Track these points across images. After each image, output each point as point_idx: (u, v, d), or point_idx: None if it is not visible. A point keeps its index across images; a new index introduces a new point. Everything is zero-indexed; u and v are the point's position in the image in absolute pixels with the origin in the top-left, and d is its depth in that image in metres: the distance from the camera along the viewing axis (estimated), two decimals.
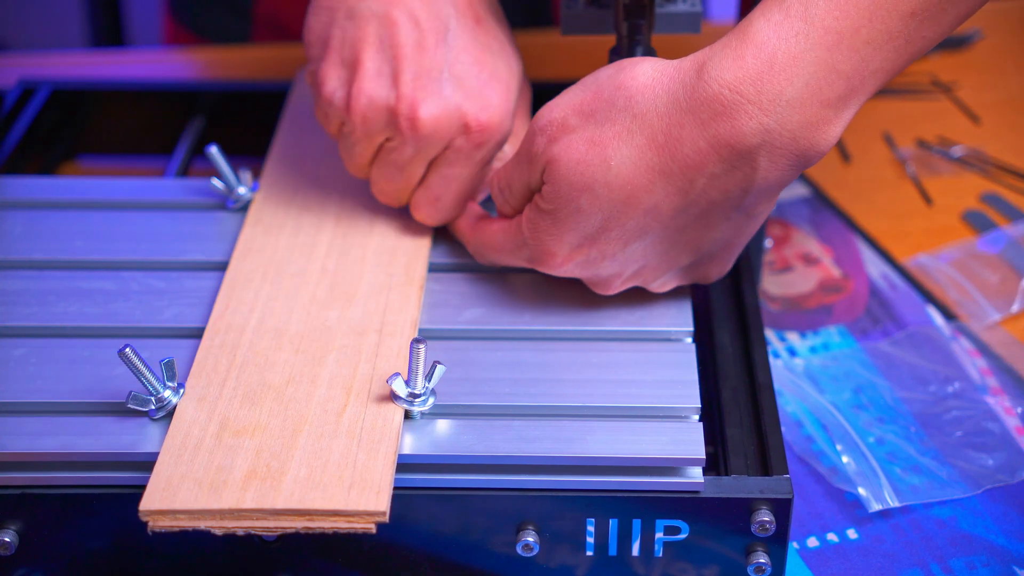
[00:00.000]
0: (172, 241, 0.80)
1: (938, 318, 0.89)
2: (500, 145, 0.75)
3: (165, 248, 0.80)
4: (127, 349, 0.66)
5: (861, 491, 0.75)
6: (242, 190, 0.82)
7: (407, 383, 0.67)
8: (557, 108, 0.69)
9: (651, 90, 0.66)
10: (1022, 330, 0.89)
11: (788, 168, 0.65)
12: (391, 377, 0.67)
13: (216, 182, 0.83)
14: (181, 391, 0.68)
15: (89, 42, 1.59)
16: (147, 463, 0.65)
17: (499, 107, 0.74)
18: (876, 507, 0.74)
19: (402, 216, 0.80)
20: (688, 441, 0.66)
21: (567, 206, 0.68)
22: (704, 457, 0.65)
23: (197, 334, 0.73)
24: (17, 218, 0.82)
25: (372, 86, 0.73)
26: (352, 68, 0.73)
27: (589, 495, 0.66)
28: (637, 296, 0.75)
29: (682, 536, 0.67)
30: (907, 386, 0.83)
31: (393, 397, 0.67)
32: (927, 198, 1.00)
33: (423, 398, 0.67)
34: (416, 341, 0.66)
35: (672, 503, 0.66)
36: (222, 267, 0.78)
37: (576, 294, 0.76)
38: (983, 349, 0.86)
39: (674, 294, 0.76)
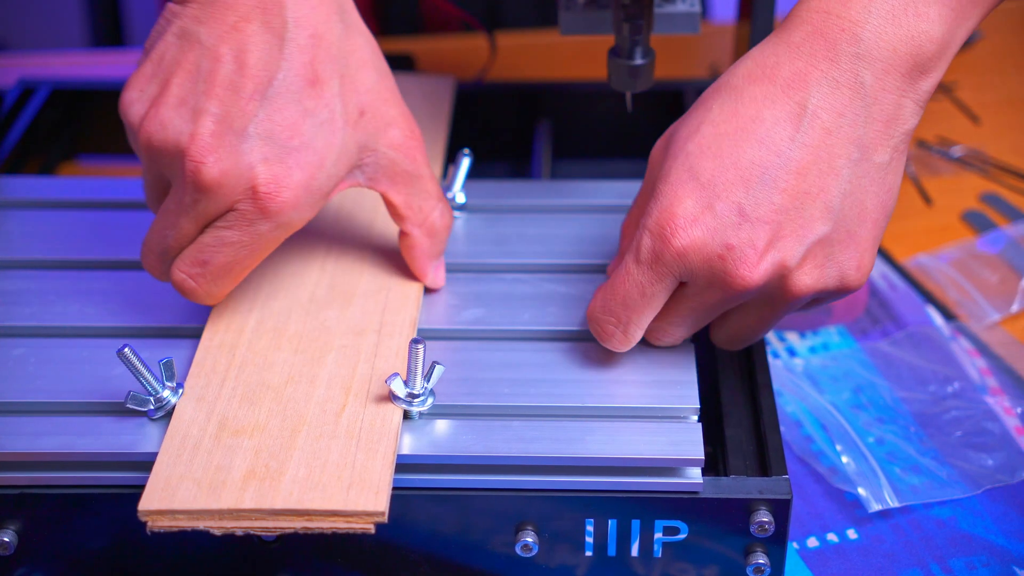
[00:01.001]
0: None
1: (938, 318, 0.89)
2: (291, 228, 0.68)
3: None
4: (126, 349, 0.66)
5: (861, 491, 0.75)
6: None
7: (406, 383, 0.67)
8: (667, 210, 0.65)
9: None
10: (1022, 330, 0.89)
11: (900, 82, 0.65)
12: (390, 377, 0.67)
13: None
14: (180, 391, 0.68)
15: (89, 42, 1.59)
16: (146, 463, 0.65)
17: (299, 184, 0.66)
18: (876, 507, 0.74)
19: None
20: (687, 442, 0.66)
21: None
22: (703, 458, 0.65)
23: (196, 334, 0.73)
24: (17, 218, 0.82)
25: (170, 114, 0.66)
26: (161, 87, 0.67)
27: (588, 495, 0.66)
28: None
29: (681, 536, 0.67)
30: (907, 386, 0.83)
31: (392, 397, 0.67)
32: (927, 198, 1.00)
33: (422, 398, 0.67)
34: (415, 341, 0.66)
35: (671, 504, 0.66)
36: None
37: (574, 295, 0.76)
38: (983, 349, 0.86)
39: None
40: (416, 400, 0.67)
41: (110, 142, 1.03)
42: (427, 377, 0.67)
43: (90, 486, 0.66)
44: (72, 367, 0.71)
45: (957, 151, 1.04)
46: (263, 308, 0.74)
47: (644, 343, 0.72)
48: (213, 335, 0.72)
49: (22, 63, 1.16)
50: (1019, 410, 0.81)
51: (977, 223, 0.96)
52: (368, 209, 0.81)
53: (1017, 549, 0.74)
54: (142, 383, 0.67)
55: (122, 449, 0.66)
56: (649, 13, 0.76)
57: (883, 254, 0.95)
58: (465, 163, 0.81)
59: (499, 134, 1.01)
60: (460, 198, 0.82)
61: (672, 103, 1.00)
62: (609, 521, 0.67)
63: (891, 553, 0.73)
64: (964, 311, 0.90)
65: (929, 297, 0.92)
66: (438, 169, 0.86)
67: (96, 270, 0.78)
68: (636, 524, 0.67)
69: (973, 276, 0.92)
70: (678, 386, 0.70)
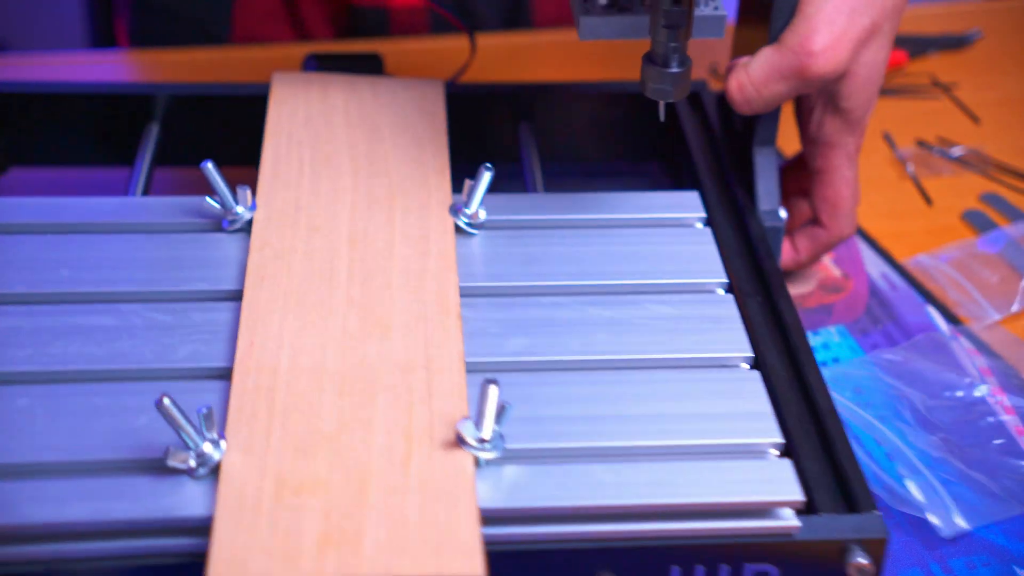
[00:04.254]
0: (170, 268, 0.73)
1: (938, 318, 0.87)
2: None
3: (164, 277, 0.73)
4: (165, 400, 0.59)
5: (931, 518, 0.72)
6: (240, 210, 0.75)
7: (476, 427, 0.61)
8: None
9: None
10: (1022, 330, 0.87)
11: None
12: (460, 422, 0.62)
13: (211, 201, 0.75)
14: (222, 443, 0.61)
15: (89, 42, 1.48)
16: (196, 528, 0.58)
17: None
18: (947, 533, 0.71)
19: (421, 234, 0.75)
20: (781, 480, 0.63)
21: None
22: (803, 499, 0.61)
23: (219, 375, 0.67)
24: None
25: None
26: None
27: (673, 542, 0.62)
28: (687, 319, 0.71)
29: None
30: (933, 392, 0.81)
31: (461, 443, 0.62)
32: (927, 198, 0.98)
33: (493, 443, 0.62)
34: (488, 381, 0.61)
35: (762, 547, 0.62)
36: (232, 297, 0.72)
37: (620, 319, 0.71)
38: (983, 349, 0.85)
39: (723, 315, 0.72)
40: (487, 445, 0.62)
41: (45, 152, 0.94)
42: (497, 419, 0.62)
43: (133, 556, 0.59)
44: (87, 418, 0.64)
45: (957, 151, 1.03)
46: (293, 344, 0.67)
47: (708, 369, 0.68)
48: (244, 376, 0.65)
49: (22, 63, 1.06)
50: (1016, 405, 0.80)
51: (977, 223, 0.95)
52: (383, 229, 0.74)
53: (1017, 549, 0.73)
54: (183, 437, 0.60)
55: (167, 514, 0.59)
56: (690, 18, 0.71)
57: (883, 254, 0.93)
58: (486, 178, 0.76)
59: (479, 138, 0.95)
60: (482, 215, 0.76)
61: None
62: (696, 568, 0.63)
63: (891, 553, 0.72)
64: (964, 311, 0.89)
65: (929, 297, 0.90)
66: (446, 180, 0.80)
67: (91, 303, 0.71)
68: (725, 571, 0.63)
69: (973, 276, 0.91)
70: (753, 418, 0.66)
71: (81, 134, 0.93)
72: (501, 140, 0.95)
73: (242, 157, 0.89)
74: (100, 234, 0.76)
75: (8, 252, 0.74)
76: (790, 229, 0.86)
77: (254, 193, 0.77)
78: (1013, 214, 0.96)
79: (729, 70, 0.79)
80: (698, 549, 0.62)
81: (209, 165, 0.74)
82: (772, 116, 0.83)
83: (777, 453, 0.65)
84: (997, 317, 0.88)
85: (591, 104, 0.95)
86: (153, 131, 0.92)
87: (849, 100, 0.78)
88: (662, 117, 0.75)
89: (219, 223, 0.76)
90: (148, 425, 0.63)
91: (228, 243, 0.75)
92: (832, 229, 0.84)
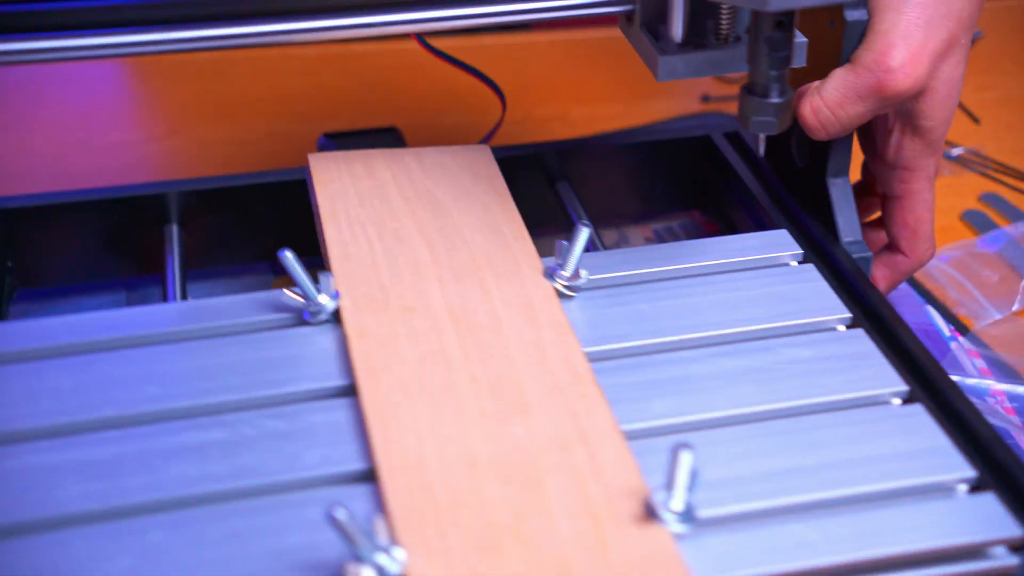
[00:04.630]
0: (265, 370, 0.67)
1: (938, 318, 0.86)
2: None
3: (261, 380, 0.66)
4: (340, 511, 0.53)
5: None
6: (323, 299, 0.70)
7: (670, 498, 0.57)
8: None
9: None
10: (1022, 330, 0.86)
11: None
12: (654, 492, 0.57)
13: (291, 293, 0.70)
14: (394, 551, 0.55)
15: None
16: None
17: None
18: None
19: (523, 302, 0.70)
20: (993, 517, 0.59)
21: None
22: (1022, 534, 0.58)
23: (358, 478, 0.61)
24: (52, 370, 0.67)
25: None
26: None
27: None
28: (826, 359, 0.68)
29: None
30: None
31: (652, 516, 0.57)
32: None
33: (686, 513, 0.57)
34: (680, 446, 0.56)
35: None
36: (342, 392, 0.66)
37: (758, 367, 0.67)
38: (983, 349, 0.83)
39: (861, 351, 0.69)
40: (681, 516, 0.57)
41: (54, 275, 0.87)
42: (689, 487, 0.57)
43: None
44: (234, 544, 0.57)
45: (957, 151, 1.02)
46: (432, 434, 0.61)
47: (865, 408, 0.65)
48: (393, 476, 0.59)
49: None
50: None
51: (977, 223, 0.94)
52: (477, 297, 0.70)
53: None
54: (359, 552, 0.54)
55: None
56: (792, 44, 0.68)
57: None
58: (584, 236, 0.71)
59: (516, 201, 0.90)
60: (583, 275, 0.72)
61: (688, 148, 0.93)
62: None
63: None
64: (964, 311, 0.87)
65: (929, 297, 0.89)
66: (528, 244, 0.75)
67: (192, 418, 0.64)
68: None
69: (973, 276, 0.90)
70: (935, 454, 0.62)
71: (88, 247, 0.86)
72: (541, 201, 0.91)
73: (273, 246, 0.84)
74: (173, 343, 0.69)
75: (80, 374, 0.67)
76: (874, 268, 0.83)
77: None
78: (1013, 214, 0.96)
79: (800, 96, 0.76)
80: None
81: (288, 254, 0.68)
82: (845, 146, 0.80)
83: (967, 488, 0.61)
84: (997, 316, 0.86)
85: (626, 156, 0.92)
86: (174, 232, 0.85)
87: (929, 119, 0.76)
88: (761, 152, 0.71)
89: (300, 316, 0.70)
90: (303, 543, 0.57)
91: (318, 336, 0.69)
92: (913, 256, 0.81)
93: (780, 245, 0.77)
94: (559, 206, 0.90)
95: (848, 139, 0.80)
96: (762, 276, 0.74)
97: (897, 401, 0.67)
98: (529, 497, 0.58)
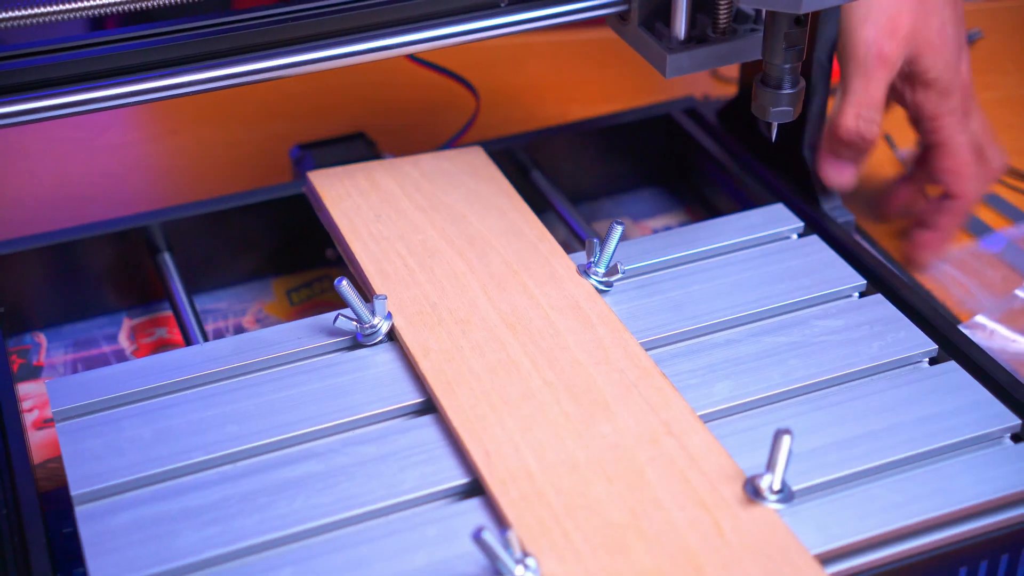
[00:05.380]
0: (336, 397, 0.69)
1: None
2: None
3: (336, 407, 0.68)
4: (484, 533, 0.56)
5: None
6: (377, 320, 0.72)
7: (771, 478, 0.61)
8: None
9: None
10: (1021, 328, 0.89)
11: None
12: (756, 478, 0.61)
13: (345, 319, 0.71)
14: (529, 562, 0.58)
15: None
16: None
17: None
18: None
19: (569, 303, 0.73)
20: None
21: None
22: None
23: (462, 493, 0.63)
24: (127, 419, 0.68)
25: None
26: None
27: (964, 544, 0.63)
28: (858, 326, 0.73)
29: None
30: None
31: (759, 498, 0.61)
32: (927, 199, 1.00)
33: (785, 492, 0.61)
34: (782, 432, 0.60)
35: None
36: (421, 411, 0.68)
37: (799, 342, 0.72)
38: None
39: (887, 316, 0.74)
40: (782, 495, 0.61)
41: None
42: (785, 468, 0.61)
43: None
44: (366, 569, 0.59)
45: None
46: (525, 443, 0.64)
47: (905, 369, 0.70)
48: (503, 488, 0.62)
49: None
50: None
51: (977, 223, 0.96)
52: (522, 300, 0.72)
53: None
54: (499, 567, 0.57)
55: None
56: (806, 39, 0.72)
57: (884, 253, 0.94)
58: (618, 232, 0.74)
59: None
60: (618, 270, 0.75)
61: (656, 127, 0.97)
62: (980, 564, 0.64)
63: None
64: (966, 309, 0.89)
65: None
66: (554, 243, 0.78)
67: (282, 450, 0.66)
68: (1004, 560, 0.64)
69: (975, 275, 0.92)
70: (979, 407, 0.68)
71: (81, 284, 0.86)
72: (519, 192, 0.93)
73: (263, 262, 0.89)
74: (237, 379, 0.70)
75: (156, 421, 0.67)
76: (929, 216, 0.89)
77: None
78: (1013, 214, 0.98)
79: (835, 128, 0.82)
80: (985, 545, 0.63)
81: (344, 283, 0.70)
82: (818, 121, 0.85)
83: (1009, 437, 0.67)
84: (998, 315, 0.89)
85: (593, 141, 0.95)
86: (167, 261, 0.86)
87: (931, 71, 0.82)
88: (774, 138, 0.75)
89: (353, 339, 0.72)
90: (429, 566, 0.60)
91: (378, 357, 0.71)
92: (962, 196, 0.87)
93: (781, 220, 0.81)
94: (538, 194, 0.92)
95: (819, 116, 0.84)
96: (774, 252, 0.79)
97: (927, 362, 0.72)
98: (637, 493, 0.62)
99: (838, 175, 0.84)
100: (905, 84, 0.83)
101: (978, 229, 0.96)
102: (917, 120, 0.85)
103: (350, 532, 0.62)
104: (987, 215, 0.97)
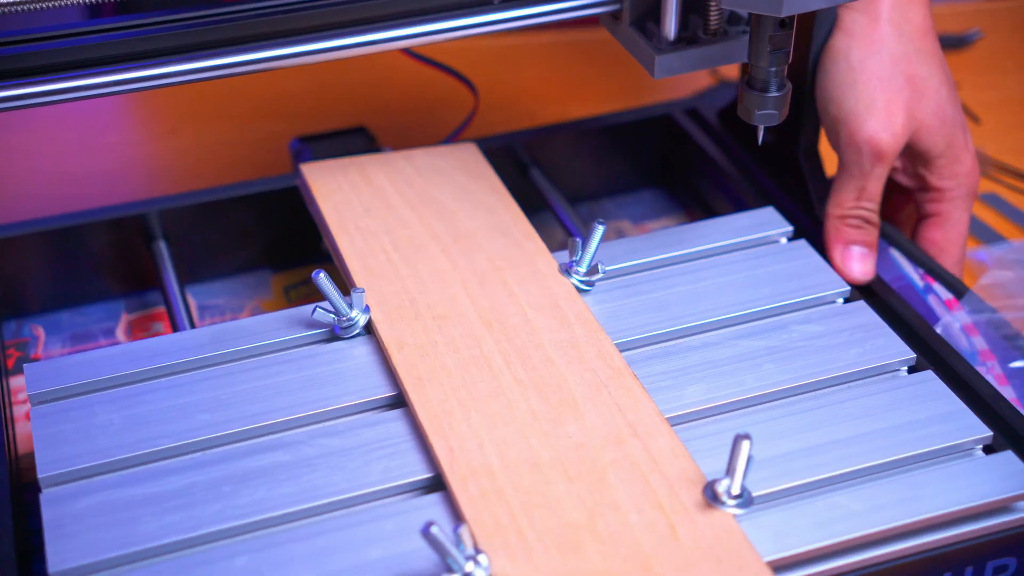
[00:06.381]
0: (308, 388, 0.69)
1: (905, 264, 0.86)
2: None
3: (307, 398, 0.68)
4: (433, 528, 0.56)
5: None
6: (355, 314, 0.72)
7: (729, 483, 0.61)
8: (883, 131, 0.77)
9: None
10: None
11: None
12: (715, 483, 0.61)
13: (322, 311, 0.72)
14: (480, 558, 0.58)
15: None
16: None
17: None
18: None
19: (549, 302, 0.73)
20: (1016, 473, 0.64)
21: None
22: None
23: (424, 487, 0.64)
24: (99, 405, 0.68)
25: None
26: None
27: (926, 554, 0.62)
28: (837, 332, 0.72)
29: (1010, 572, 0.64)
30: None
31: (714, 502, 0.61)
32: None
33: (744, 497, 0.61)
34: (741, 436, 0.60)
35: (1001, 543, 0.64)
36: (391, 405, 0.68)
37: (777, 346, 0.71)
38: (980, 315, 0.84)
39: (867, 323, 0.73)
40: (740, 500, 0.61)
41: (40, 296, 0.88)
42: (746, 473, 0.61)
43: None
44: (318, 562, 0.60)
45: None
46: (490, 440, 0.65)
47: (881, 378, 0.69)
48: (463, 483, 0.62)
49: None
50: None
51: (977, 224, 0.95)
52: (503, 299, 0.72)
53: None
54: (449, 562, 0.57)
55: None
56: (792, 41, 0.72)
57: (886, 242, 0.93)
58: (599, 233, 0.74)
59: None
60: (600, 270, 0.75)
61: (657, 127, 0.96)
62: (944, 575, 0.63)
63: None
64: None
65: (891, 239, 0.87)
66: (539, 242, 0.78)
67: (249, 440, 0.66)
68: (969, 572, 0.64)
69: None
70: (952, 418, 0.67)
71: (77, 270, 0.87)
72: (515, 189, 0.93)
73: (260, 253, 0.90)
74: (212, 367, 0.71)
75: (129, 407, 0.68)
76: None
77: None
78: (1013, 214, 0.97)
79: (835, 211, 0.80)
80: (947, 557, 0.63)
81: (322, 276, 0.70)
82: (814, 126, 0.84)
83: (981, 448, 0.66)
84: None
85: (592, 140, 0.95)
86: (162, 249, 0.87)
87: (932, 151, 0.80)
88: (760, 141, 0.75)
89: (331, 331, 0.73)
90: (383, 558, 0.60)
91: (354, 350, 0.72)
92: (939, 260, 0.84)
93: (770, 223, 0.81)
94: (536, 192, 0.92)
95: (813, 117, 0.84)
96: (761, 255, 0.78)
97: (905, 370, 0.71)
98: (596, 494, 0.62)
99: (858, 263, 0.80)
100: (907, 161, 0.82)
101: (985, 236, 0.95)
102: (919, 190, 0.83)
103: (309, 523, 0.62)
104: (987, 215, 0.96)
